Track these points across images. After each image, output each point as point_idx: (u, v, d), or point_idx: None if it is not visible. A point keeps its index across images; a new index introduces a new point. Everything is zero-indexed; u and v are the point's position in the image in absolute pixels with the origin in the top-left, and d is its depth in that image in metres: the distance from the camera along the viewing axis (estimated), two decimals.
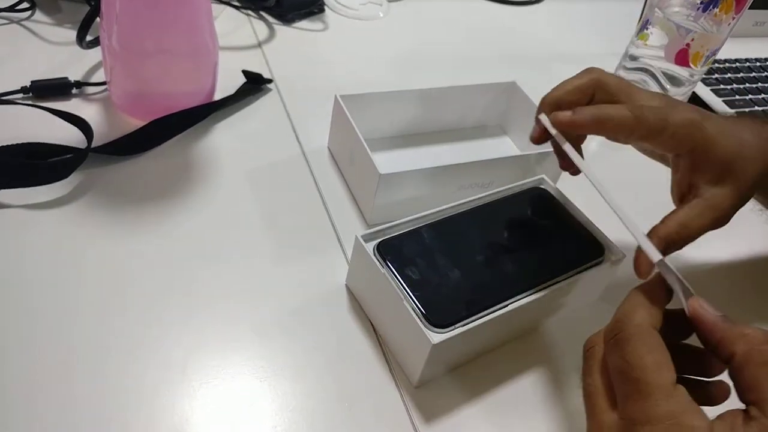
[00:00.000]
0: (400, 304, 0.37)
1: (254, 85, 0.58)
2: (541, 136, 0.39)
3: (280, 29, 0.68)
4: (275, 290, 0.42)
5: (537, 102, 0.42)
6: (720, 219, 0.38)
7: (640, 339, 0.27)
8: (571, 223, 0.45)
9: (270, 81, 0.59)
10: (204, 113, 0.53)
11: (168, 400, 0.35)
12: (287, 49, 0.65)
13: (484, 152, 0.56)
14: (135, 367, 0.36)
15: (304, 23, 0.70)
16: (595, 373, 0.29)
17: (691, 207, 0.38)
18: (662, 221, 0.37)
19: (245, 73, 0.58)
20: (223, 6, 0.69)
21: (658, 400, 0.25)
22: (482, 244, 0.41)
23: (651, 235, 0.37)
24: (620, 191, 0.37)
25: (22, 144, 0.45)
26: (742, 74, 0.74)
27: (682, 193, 0.40)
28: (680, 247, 0.37)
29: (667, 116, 0.37)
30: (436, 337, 0.35)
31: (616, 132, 0.37)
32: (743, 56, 0.78)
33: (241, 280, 0.42)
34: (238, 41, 0.65)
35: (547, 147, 0.43)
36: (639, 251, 0.35)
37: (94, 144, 0.47)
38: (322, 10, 0.72)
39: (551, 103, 0.39)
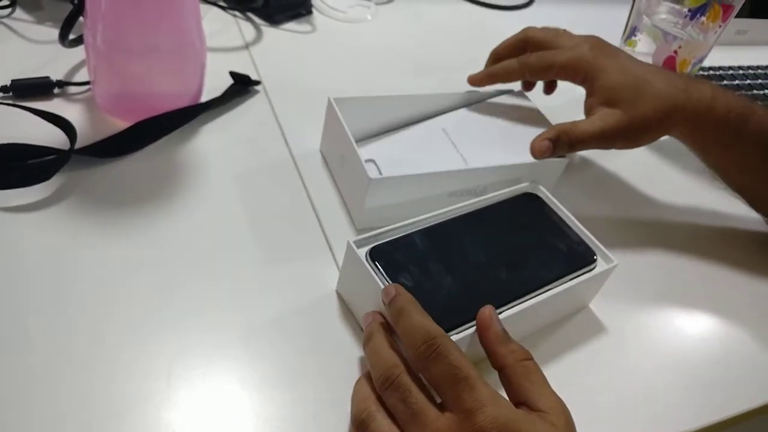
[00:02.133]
0: None
1: (242, 86, 0.57)
2: (475, 83, 0.55)
3: (268, 31, 0.68)
4: (263, 296, 0.41)
5: (533, 108, 0.43)
6: (606, 133, 0.46)
7: (452, 346, 0.32)
8: (563, 229, 0.45)
9: (258, 83, 0.59)
10: (190, 115, 0.52)
11: (152, 408, 0.34)
12: (275, 51, 0.65)
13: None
14: (118, 374, 0.35)
15: (291, 25, 0.70)
16: (414, 392, 0.32)
17: (586, 118, 0.48)
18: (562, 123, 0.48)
19: (233, 74, 0.57)
20: (209, 6, 0.68)
21: (480, 388, 0.31)
22: (475, 250, 0.41)
23: (551, 126, 0.48)
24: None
25: (3, 145, 0.44)
26: (726, 82, 0.75)
27: (585, 113, 0.49)
28: (571, 146, 0.47)
29: (554, 57, 0.50)
30: None
31: (509, 78, 0.53)
32: (726, 64, 0.79)
33: (227, 286, 0.41)
34: (225, 42, 0.64)
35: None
36: None
37: (77, 145, 0.46)
38: (309, 12, 0.72)
39: (491, 57, 0.55)
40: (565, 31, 0.53)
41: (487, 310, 0.36)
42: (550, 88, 0.58)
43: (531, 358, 0.34)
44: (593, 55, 0.49)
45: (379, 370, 0.33)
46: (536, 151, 0.47)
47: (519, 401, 0.33)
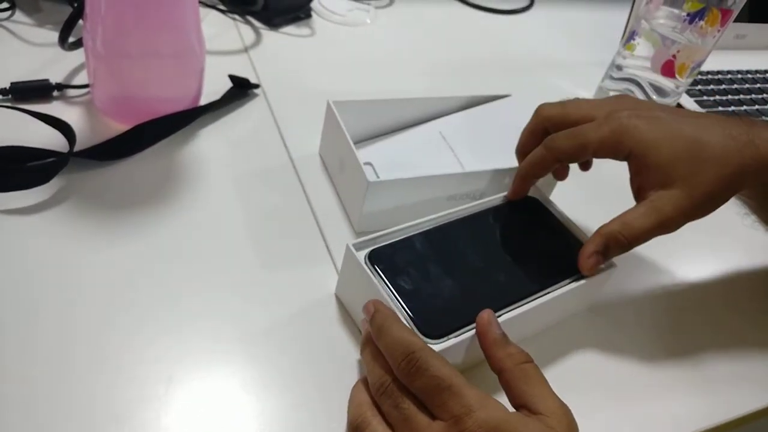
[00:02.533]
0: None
1: (241, 90, 0.57)
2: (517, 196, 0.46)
3: (267, 34, 0.68)
4: (262, 300, 0.41)
5: (529, 115, 0.43)
6: (665, 222, 0.38)
7: (432, 357, 0.32)
8: (562, 232, 0.45)
9: (257, 86, 0.59)
10: (189, 118, 0.52)
11: (152, 413, 0.34)
12: (274, 55, 0.65)
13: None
14: (118, 379, 0.35)
15: (290, 28, 0.70)
16: (406, 399, 0.32)
17: (636, 208, 0.39)
18: (610, 220, 0.40)
19: (232, 77, 0.57)
20: (208, 10, 0.69)
21: (466, 394, 0.31)
22: (475, 253, 0.41)
23: (596, 232, 0.40)
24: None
25: (2, 147, 0.44)
26: (724, 86, 0.76)
27: (634, 195, 0.41)
28: (625, 249, 0.39)
29: (587, 135, 0.40)
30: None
31: (542, 171, 0.43)
32: (725, 68, 0.79)
33: (227, 290, 0.41)
34: (224, 45, 0.64)
35: None
36: None
37: (76, 148, 0.46)
38: (309, 16, 0.72)
39: (519, 153, 0.46)
40: (578, 98, 0.45)
41: (485, 314, 0.36)
42: (586, 166, 0.48)
43: (530, 361, 0.34)
44: (632, 124, 0.39)
45: (374, 376, 0.34)
46: (586, 270, 0.40)
47: (519, 405, 0.32)
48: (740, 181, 0.39)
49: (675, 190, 0.38)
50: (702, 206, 0.39)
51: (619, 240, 0.39)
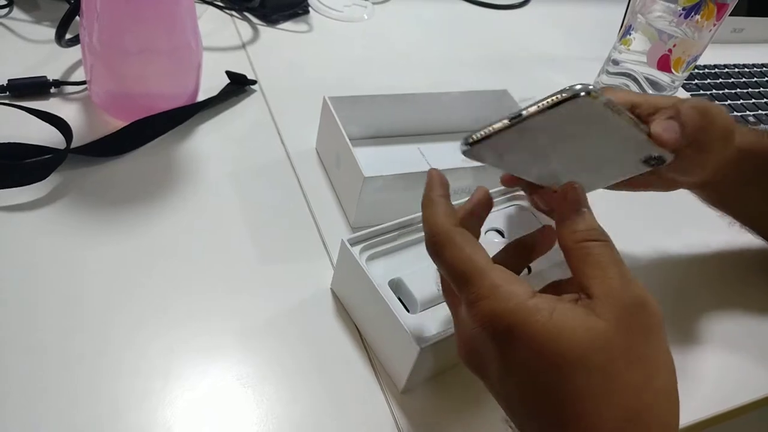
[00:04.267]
0: (386, 308, 0.36)
1: (238, 86, 0.57)
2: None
3: (264, 30, 0.68)
4: (259, 295, 0.42)
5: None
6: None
7: (449, 241, 0.31)
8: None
9: (254, 82, 0.59)
10: (187, 114, 0.52)
11: (150, 408, 0.34)
12: (271, 51, 0.65)
13: None
14: (115, 374, 0.35)
15: (288, 24, 0.70)
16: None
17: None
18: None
19: (229, 73, 0.57)
20: (206, 6, 0.69)
21: (481, 279, 0.29)
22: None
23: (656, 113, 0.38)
24: None
25: None
26: (721, 80, 0.76)
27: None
28: (701, 116, 0.37)
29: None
30: (423, 342, 0.35)
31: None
32: (722, 62, 0.79)
33: (224, 285, 0.42)
34: (222, 42, 0.64)
35: None
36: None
37: (73, 144, 0.46)
38: (306, 12, 0.72)
39: None
40: None
41: (567, 186, 0.32)
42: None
43: (597, 239, 0.30)
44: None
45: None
46: (667, 136, 0.35)
47: (578, 289, 0.29)
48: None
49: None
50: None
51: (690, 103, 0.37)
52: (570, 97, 0.31)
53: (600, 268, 0.28)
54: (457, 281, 0.30)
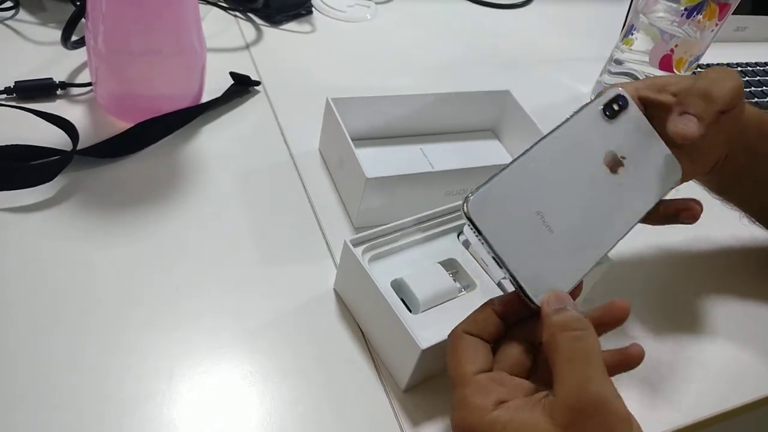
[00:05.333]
0: (388, 308, 0.37)
1: (242, 86, 0.58)
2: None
3: (268, 31, 0.68)
4: (263, 295, 0.42)
5: (528, 110, 0.42)
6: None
7: (451, 345, 0.33)
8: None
9: (258, 83, 0.59)
10: (191, 115, 0.53)
11: (155, 407, 0.35)
12: (275, 51, 0.65)
13: (475, 156, 0.56)
14: (120, 374, 0.36)
15: (291, 25, 0.70)
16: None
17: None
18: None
19: (233, 74, 0.57)
20: (210, 7, 0.69)
21: (460, 388, 0.32)
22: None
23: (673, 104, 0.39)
24: None
25: (6, 146, 0.45)
26: None
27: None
28: (707, 99, 0.37)
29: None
30: (425, 342, 0.35)
31: None
32: (725, 61, 0.79)
33: (228, 285, 0.42)
34: (226, 43, 0.65)
35: None
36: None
37: (79, 146, 0.47)
38: (309, 12, 0.72)
39: None
40: None
41: (554, 296, 0.33)
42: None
43: (571, 329, 0.30)
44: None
45: None
46: (683, 129, 0.37)
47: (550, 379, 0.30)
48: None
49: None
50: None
51: (695, 89, 0.37)
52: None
53: (564, 364, 0.29)
54: (451, 383, 0.33)
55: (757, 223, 0.50)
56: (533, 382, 0.32)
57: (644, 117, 0.39)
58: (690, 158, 0.41)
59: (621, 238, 0.37)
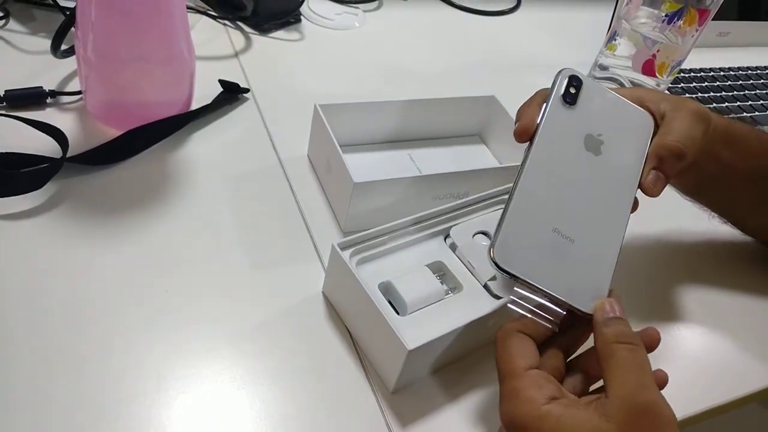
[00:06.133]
0: (376, 310, 0.37)
1: (231, 94, 0.58)
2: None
3: (257, 39, 0.69)
4: (252, 298, 0.42)
5: (514, 115, 0.43)
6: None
7: (502, 340, 0.35)
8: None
9: (247, 90, 0.60)
10: (181, 123, 0.53)
11: (143, 411, 0.35)
12: (264, 59, 0.66)
13: (462, 161, 0.57)
14: (109, 377, 0.36)
15: (280, 33, 0.71)
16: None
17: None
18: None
19: (222, 82, 0.58)
20: (199, 15, 0.70)
21: (508, 381, 0.33)
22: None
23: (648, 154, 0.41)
24: None
25: None
26: (707, 83, 0.77)
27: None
28: (678, 156, 0.40)
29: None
30: (412, 343, 0.36)
31: None
32: (708, 66, 0.80)
33: (217, 289, 0.42)
34: (215, 51, 0.65)
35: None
36: None
37: (69, 154, 0.47)
38: (298, 20, 0.73)
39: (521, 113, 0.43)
40: None
41: (606, 303, 0.35)
42: None
43: (626, 342, 0.33)
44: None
45: None
46: (651, 190, 0.40)
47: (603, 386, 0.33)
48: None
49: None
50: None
51: (668, 146, 0.40)
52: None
53: (620, 371, 0.32)
54: (499, 376, 0.34)
55: (728, 223, 0.52)
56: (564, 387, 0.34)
57: (600, 84, 0.41)
58: None
59: (630, 208, 0.39)
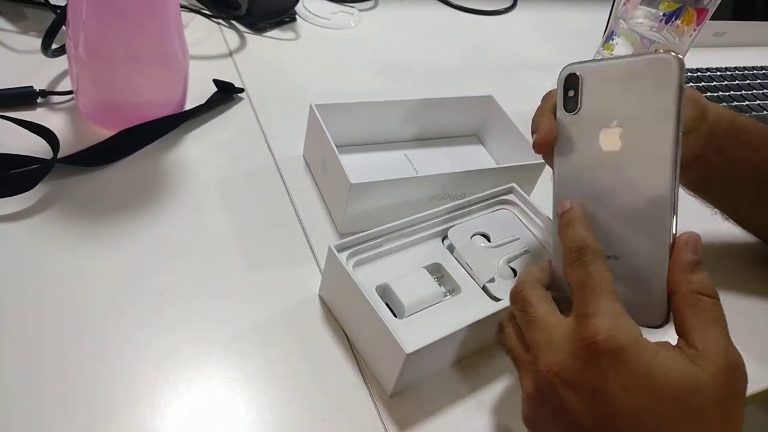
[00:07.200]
0: (373, 313, 0.37)
1: (225, 94, 0.58)
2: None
3: (252, 38, 0.68)
4: (248, 301, 0.42)
5: (512, 115, 0.42)
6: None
7: (600, 260, 0.33)
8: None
9: (241, 90, 0.59)
10: (174, 123, 0.52)
11: (138, 415, 0.35)
12: (259, 59, 0.65)
13: (460, 161, 0.57)
14: (103, 382, 0.36)
15: (275, 32, 0.70)
16: (541, 302, 0.34)
17: None
18: None
19: (216, 82, 0.57)
20: (193, 14, 0.69)
21: (607, 300, 0.31)
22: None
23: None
24: None
25: None
26: (703, 83, 0.77)
27: None
28: None
29: None
30: (410, 346, 0.35)
31: None
32: (704, 66, 0.80)
33: (212, 292, 0.42)
34: (209, 50, 0.65)
35: (521, 161, 0.43)
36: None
37: (60, 154, 0.46)
38: (293, 20, 0.72)
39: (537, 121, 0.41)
40: None
41: (685, 235, 0.33)
42: None
43: (711, 296, 0.31)
44: None
45: (518, 281, 0.36)
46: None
47: (680, 334, 0.31)
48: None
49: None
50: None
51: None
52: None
53: (708, 324, 0.30)
54: (584, 290, 0.32)
55: (730, 219, 0.51)
56: None
57: (601, 64, 0.36)
58: None
59: (677, 180, 0.33)
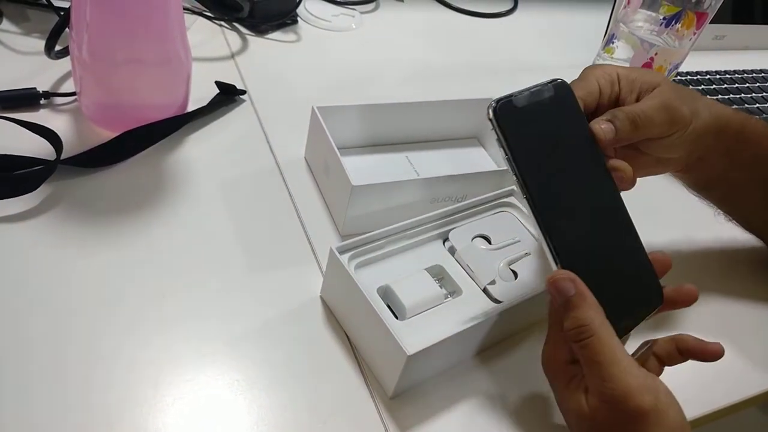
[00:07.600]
0: (375, 315, 0.37)
1: (227, 96, 0.58)
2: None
3: (254, 40, 0.68)
4: (249, 303, 0.42)
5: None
6: (666, 103, 0.41)
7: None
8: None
9: (243, 92, 0.59)
10: (176, 125, 0.53)
11: (140, 416, 0.35)
12: (260, 61, 0.65)
13: (460, 164, 0.57)
14: (105, 383, 0.36)
15: (277, 34, 0.70)
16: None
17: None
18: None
19: (218, 84, 0.58)
20: (195, 16, 0.69)
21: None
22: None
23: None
24: None
25: None
26: (703, 86, 0.77)
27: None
28: (632, 128, 0.39)
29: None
30: (411, 348, 0.35)
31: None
32: (704, 69, 0.80)
33: (214, 293, 0.42)
34: (211, 52, 0.65)
35: None
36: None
37: (63, 156, 0.47)
38: (295, 22, 0.73)
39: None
40: None
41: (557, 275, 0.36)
42: None
43: (581, 339, 0.34)
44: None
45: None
46: (600, 134, 0.38)
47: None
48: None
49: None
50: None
51: (624, 110, 0.39)
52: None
53: (588, 365, 0.34)
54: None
55: (733, 220, 0.52)
56: None
57: (516, 98, 0.38)
58: (656, 160, 0.43)
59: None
